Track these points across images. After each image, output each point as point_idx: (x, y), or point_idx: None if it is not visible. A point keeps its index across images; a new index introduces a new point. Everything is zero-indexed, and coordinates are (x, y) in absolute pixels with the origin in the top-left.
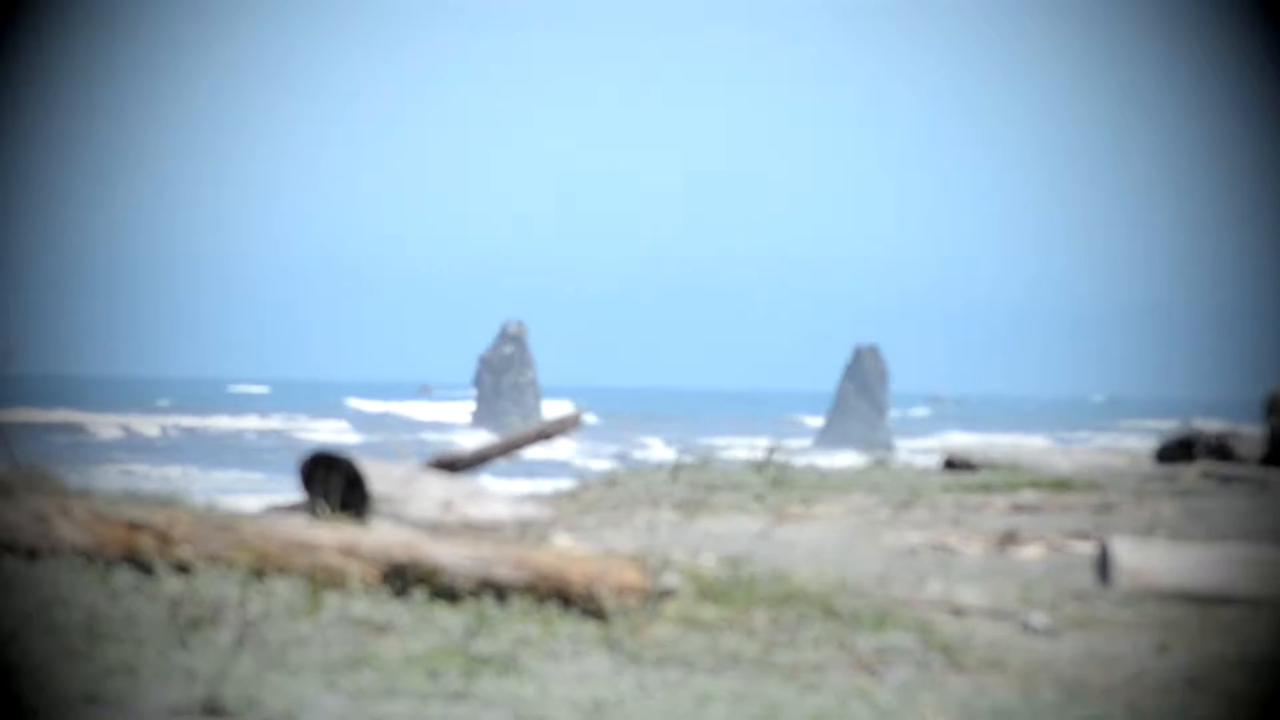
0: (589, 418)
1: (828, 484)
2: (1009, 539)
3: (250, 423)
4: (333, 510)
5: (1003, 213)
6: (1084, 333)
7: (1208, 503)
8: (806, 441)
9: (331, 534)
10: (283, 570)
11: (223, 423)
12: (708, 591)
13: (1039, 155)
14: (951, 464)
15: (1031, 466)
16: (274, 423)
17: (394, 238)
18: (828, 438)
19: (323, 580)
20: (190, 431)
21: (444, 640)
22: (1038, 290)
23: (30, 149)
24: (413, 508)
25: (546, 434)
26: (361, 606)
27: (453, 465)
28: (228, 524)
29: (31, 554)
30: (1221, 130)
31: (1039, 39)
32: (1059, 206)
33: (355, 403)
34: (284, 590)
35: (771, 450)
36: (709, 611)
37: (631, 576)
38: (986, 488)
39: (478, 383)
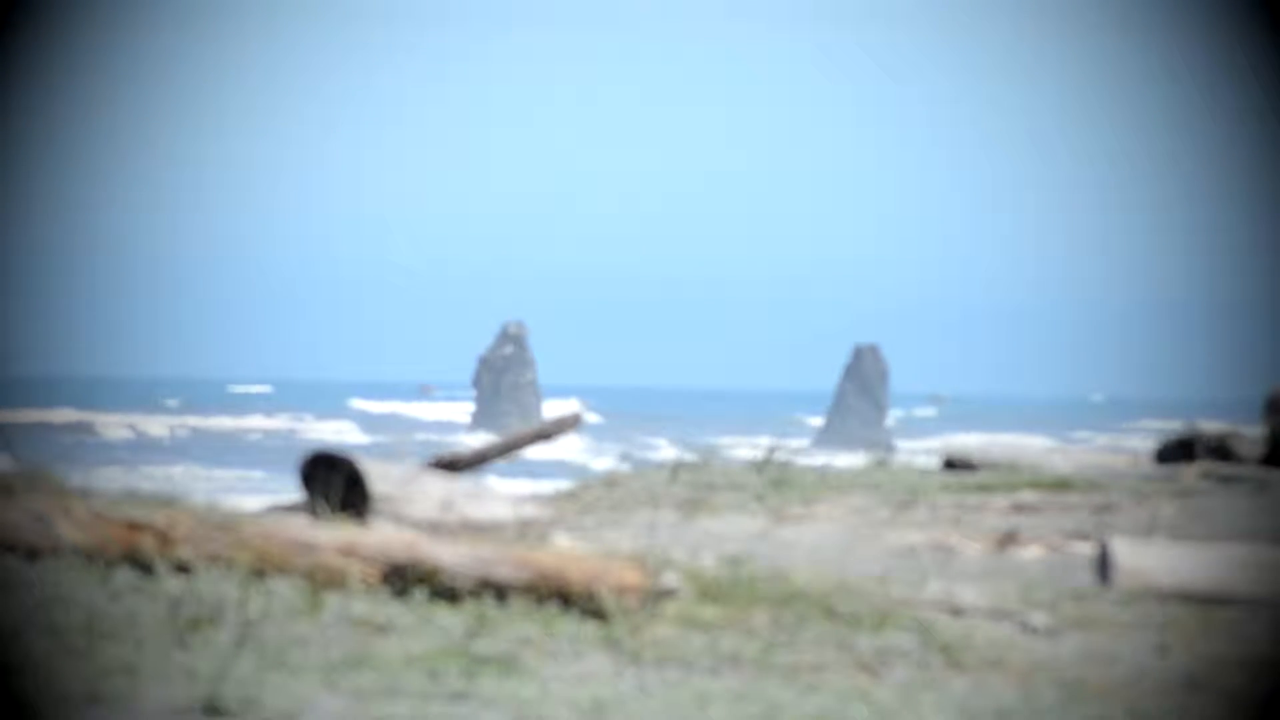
0: (591, 417)
1: (828, 484)
2: (1009, 539)
3: (258, 423)
4: (333, 510)
5: (1003, 213)
6: (1084, 333)
7: (1208, 503)
8: (806, 441)
9: (331, 534)
10: (283, 570)
11: (231, 423)
12: (708, 591)
13: (1039, 155)
14: (951, 464)
15: (1031, 466)
16: (281, 423)
17: (395, 238)
18: (827, 438)
19: (323, 580)
20: (199, 432)
21: (444, 640)
22: (1038, 290)
23: (32, 150)
24: (413, 508)
25: (546, 434)
26: (361, 606)
27: (453, 465)
28: (228, 524)
29: (31, 554)
30: (1222, 130)
31: (1041, 37)
32: (1059, 206)
33: (357, 403)
34: (284, 590)
35: (772, 450)
36: (709, 611)
37: (631, 576)
38: (986, 488)
39: (477, 383)
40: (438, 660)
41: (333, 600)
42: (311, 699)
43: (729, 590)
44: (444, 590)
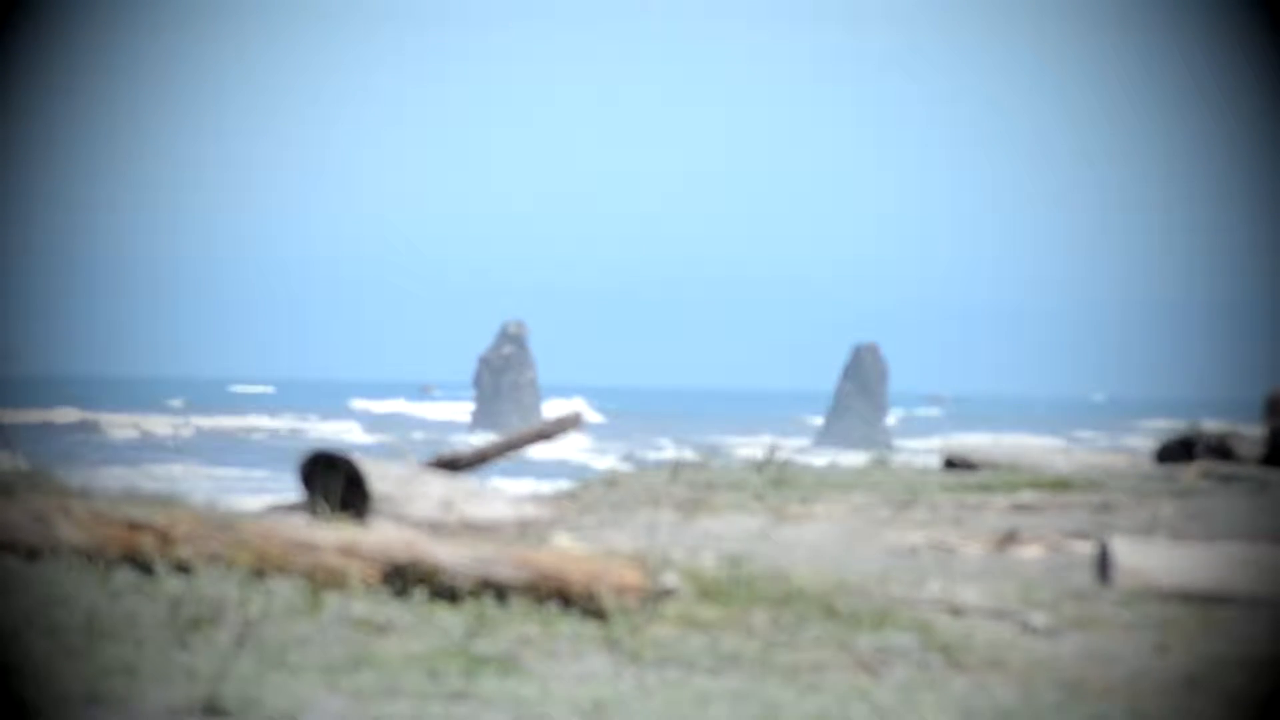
0: (594, 417)
1: (828, 484)
2: (1009, 539)
3: (263, 423)
4: (333, 510)
5: (1003, 213)
6: (1084, 333)
7: (1208, 503)
8: (807, 441)
9: (331, 534)
10: (283, 570)
11: (237, 423)
12: (708, 591)
13: (1040, 155)
14: (951, 464)
15: (1031, 466)
16: (287, 423)
17: (395, 238)
18: (827, 437)
19: (323, 580)
20: (205, 433)
21: (444, 640)
22: (1038, 290)
23: (32, 150)
24: (413, 507)
25: (547, 434)
26: (361, 606)
27: (453, 465)
28: (228, 524)
29: (31, 554)
30: (1223, 130)
31: (1040, 37)
32: (1059, 206)
33: (359, 403)
34: (284, 590)
35: (772, 450)
36: (709, 611)
37: (631, 576)
38: (986, 488)
39: (478, 383)
40: (438, 660)
41: (333, 600)
42: (311, 699)
43: (729, 590)
44: (444, 590)
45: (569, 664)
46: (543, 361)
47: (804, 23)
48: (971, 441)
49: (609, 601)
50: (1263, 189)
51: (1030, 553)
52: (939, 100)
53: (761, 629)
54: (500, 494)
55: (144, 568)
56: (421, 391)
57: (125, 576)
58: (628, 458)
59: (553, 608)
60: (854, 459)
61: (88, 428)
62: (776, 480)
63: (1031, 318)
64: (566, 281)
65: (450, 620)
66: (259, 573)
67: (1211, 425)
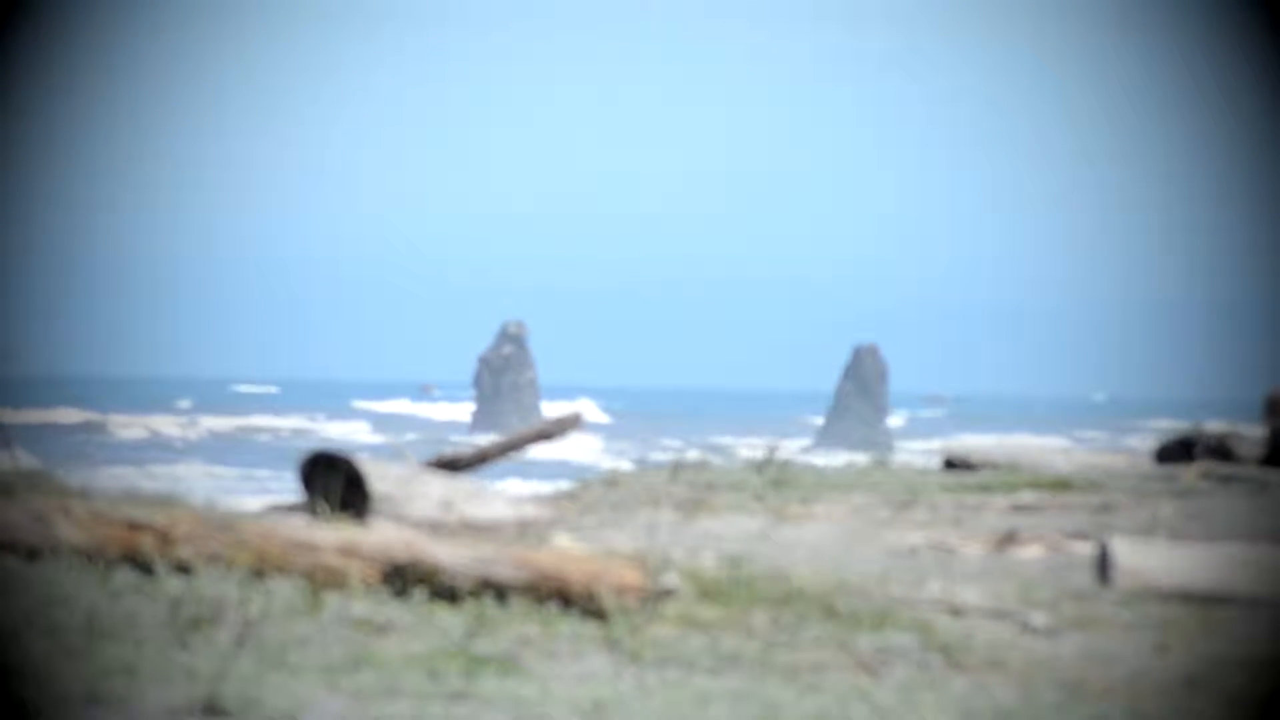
0: (602, 418)
1: (828, 484)
2: (1009, 539)
3: (271, 423)
4: (333, 510)
5: (1003, 213)
6: (1085, 333)
7: (1208, 503)
8: (808, 441)
9: (331, 534)
10: (283, 570)
11: (244, 423)
12: (708, 591)
13: (1040, 155)
14: (951, 464)
15: (1031, 467)
16: (294, 423)
17: (395, 238)
18: (828, 438)
19: (323, 580)
20: (213, 433)
21: (444, 640)
22: (1038, 290)
23: (32, 150)
24: (413, 508)
25: (547, 434)
26: (361, 606)
27: (453, 465)
28: (228, 524)
29: (31, 554)
30: (1223, 130)
31: (1040, 37)
32: (1059, 206)
33: (361, 403)
34: (284, 590)
35: (772, 450)
36: (709, 611)
37: (631, 576)
38: (986, 488)
39: (478, 383)
40: (438, 660)
41: (333, 600)
42: (311, 699)
43: (729, 590)
44: (444, 590)
45: (569, 664)
46: (543, 362)
47: (804, 23)
48: (975, 442)
49: (609, 601)
50: (1263, 189)
51: (1030, 553)
52: (939, 100)
53: (761, 629)
54: (500, 494)
55: (144, 568)
56: (421, 391)
57: (125, 576)
58: (641, 460)
59: (553, 608)
60: (854, 459)
61: (91, 428)
62: (777, 480)
63: (1031, 318)
64: (566, 281)
65: (450, 620)
66: (259, 573)
67: (1212, 425)
